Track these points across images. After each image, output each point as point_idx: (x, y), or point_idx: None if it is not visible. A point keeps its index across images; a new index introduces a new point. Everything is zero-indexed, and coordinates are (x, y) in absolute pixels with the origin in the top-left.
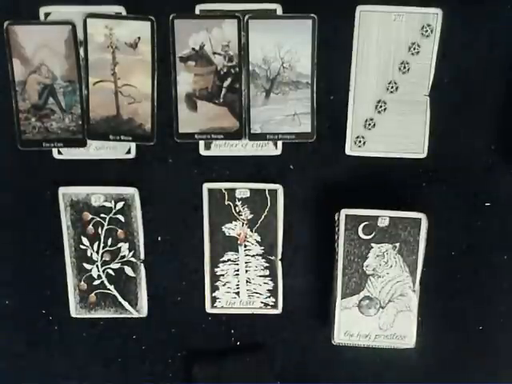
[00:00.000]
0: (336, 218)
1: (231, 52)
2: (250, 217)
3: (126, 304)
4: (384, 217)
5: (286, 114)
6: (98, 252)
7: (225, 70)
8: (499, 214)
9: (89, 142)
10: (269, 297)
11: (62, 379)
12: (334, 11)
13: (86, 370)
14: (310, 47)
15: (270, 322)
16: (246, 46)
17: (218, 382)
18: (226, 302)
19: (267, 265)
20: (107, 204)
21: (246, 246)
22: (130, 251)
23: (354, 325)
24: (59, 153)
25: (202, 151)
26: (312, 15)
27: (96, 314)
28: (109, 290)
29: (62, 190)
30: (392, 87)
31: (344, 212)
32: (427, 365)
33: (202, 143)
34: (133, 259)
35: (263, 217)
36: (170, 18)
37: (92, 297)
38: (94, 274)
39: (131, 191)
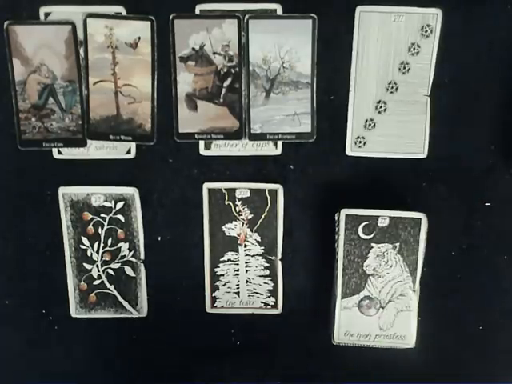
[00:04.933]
0: (336, 218)
1: (231, 52)
2: (250, 217)
3: (126, 304)
4: (384, 217)
5: (286, 114)
6: (98, 252)
7: (225, 70)
8: (499, 214)
9: (89, 142)
10: (269, 297)
11: (62, 379)
12: (334, 11)
13: (85, 370)
14: (310, 47)
15: (270, 321)
16: (246, 45)
17: (218, 382)
18: (226, 301)
19: (267, 265)
20: (107, 204)
21: (246, 245)
22: (130, 251)
23: (354, 325)
24: (59, 153)
25: (202, 151)
26: (312, 15)
27: (96, 314)
28: (109, 290)
29: (61, 190)
30: (392, 87)
31: (344, 212)
32: (427, 365)
33: (202, 143)
34: (133, 259)
35: (263, 217)
36: (170, 18)
37: (92, 297)
38: (94, 273)
39: (131, 191)
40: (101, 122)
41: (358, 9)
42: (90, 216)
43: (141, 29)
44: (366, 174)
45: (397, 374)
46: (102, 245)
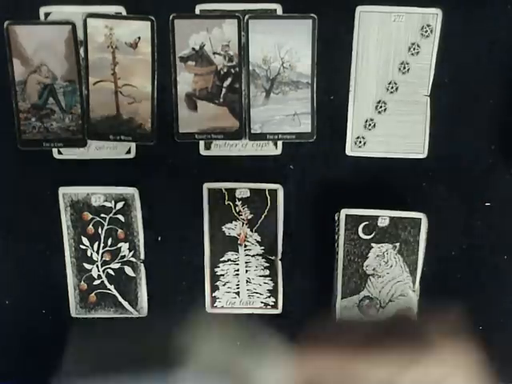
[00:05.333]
0: (336, 218)
1: (231, 52)
2: (250, 217)
3: (126, 304)
4: (384, 217)
5: (286, 114)
6: (98, 252)
7: (225, 70)
8: (499, 214)
9: (89, 141)
10: (269, 297)
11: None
12: (334, 11)
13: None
14: (310, 47)
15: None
16: (246, 45)
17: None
18: (226, 301)
19: (267, 265)
20: (107, 204)
21: (246, 245)
22: (130, 251)
23: None
24: (59, 153)
25: (202, 151)
26: (312, 15)
27: (96, 314)
28: (109, 289)
29: (62, 190)
30: (392, 87)
31: (344, 212)
32: None
33: (202, 143)
34: (133, 259)
35: (263, 217)
36: (170, 18)
37: (92, 297)
38: (94, 273)
39: (131, 191)
40: (101, 121)
41: (358, 9)
42: (90, 216)
43: (141, 29)
44: (365, 174)
45: None
46: (102, 245)
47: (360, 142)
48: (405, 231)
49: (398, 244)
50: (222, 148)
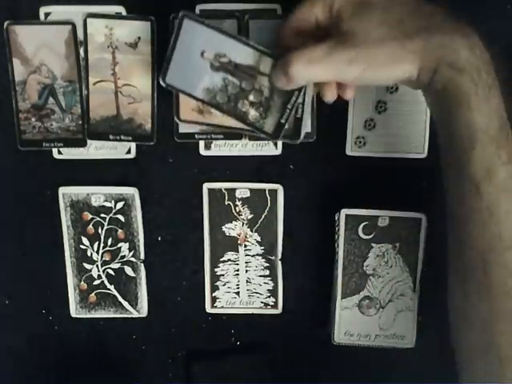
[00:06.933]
0: (336, 218)
1: None
2: (250, 217)
3: (126, 304)
4: (384, 217)
5: None
6: (98, 252)
7: None
8: None
9: (89, 142)
10: (269, 297)
11: (62, 379)
12: None
13: (86, 370)
14: None
15: (270, 321)
16: None
17: (218, 382)
18: (226, 301)
19: (267, 265)
20: (107, 204)
21: (245, 245)
22: (129, 251)
23: (354, 325)
24: (59, 153)
25: (202, 151)
26: None
27: (96, 314)
28: (109, 289)
29: (61, 190)
30: (392, 87)
31: (344, 212)
32: (427, 365)
33: (202, 143)
34: (133, 259)
35: (263, 217)
36: (170, 18)
37: (92, 297)
38: (94, 273)
39: (131, 191)
40: (101, 122)
41: None
42: (90, 216)
43: (141, 29)
44: (366, 174)
45: (397, 374)
46: (102, 245)
47: (360, 142)
48: (405, 231)
49: (397, 244)
50: (221, 148)
